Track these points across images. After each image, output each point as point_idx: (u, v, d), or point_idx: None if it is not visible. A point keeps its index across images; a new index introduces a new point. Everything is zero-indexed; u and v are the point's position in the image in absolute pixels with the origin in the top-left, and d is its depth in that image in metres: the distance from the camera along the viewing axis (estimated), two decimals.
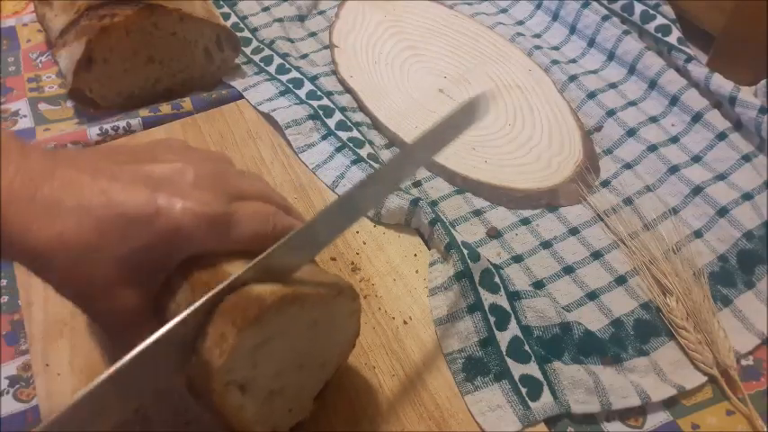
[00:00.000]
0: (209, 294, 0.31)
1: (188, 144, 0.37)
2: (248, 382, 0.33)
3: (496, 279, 0.46)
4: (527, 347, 0.44)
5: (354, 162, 0.55)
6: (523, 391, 0.42)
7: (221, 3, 0.74)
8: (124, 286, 0.32)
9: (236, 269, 0.32)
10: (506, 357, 0.43)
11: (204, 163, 0.35)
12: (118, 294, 0.32)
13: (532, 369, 0.43)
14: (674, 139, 0.58)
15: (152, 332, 0.32)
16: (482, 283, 0.46)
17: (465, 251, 0.47)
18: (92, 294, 0.32)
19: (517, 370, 0.43)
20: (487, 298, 0.45)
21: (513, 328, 0.45)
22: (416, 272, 0.49)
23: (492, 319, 0.45)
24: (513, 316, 0.45)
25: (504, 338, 0.44)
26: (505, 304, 0.46)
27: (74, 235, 0.30)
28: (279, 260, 0.34)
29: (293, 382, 0.37)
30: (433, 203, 0.54)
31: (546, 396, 0.42)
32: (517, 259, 0.50)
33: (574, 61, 0.67)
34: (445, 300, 0.47)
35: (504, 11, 0.75)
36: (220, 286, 0.32)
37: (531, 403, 0.41)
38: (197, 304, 0.31)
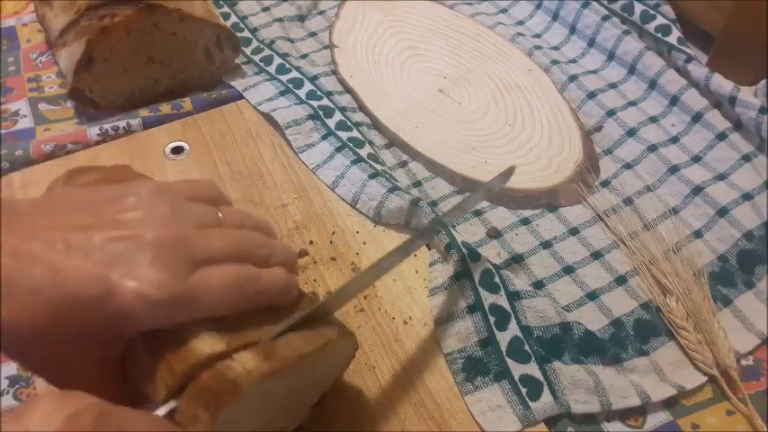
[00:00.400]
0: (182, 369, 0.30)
1: (163, 188, 0.34)
2: None
3: (496, 279, 0.46)
4: (527, 347, 0.44)
5: (354, 162, 0.55)
6: (523, 391, 0.42)
7: (221, 3, 0.74)
8: (84, 360, 0.31)
9: (201, 342, 0.30)
10: (506, 357, 0.43)
11: (168, 225, 0.32)
12: (78, 368, 0.31)
13: (532, 369, 0.43)
14: (674, 139, 0.58)
15: (119, 394, 0.31)
16: (482, 283, 0.46)
17: (465, 251, 0.47)
18: (51, 372, 0.31)
19: (517, 370, 0.43)
20: (487, 298, 0.45)
21: (513, 328, 0.45)
22: (416, 272, 0.49)
23: (492, 319, 0.45)
24: (513, 316, 0.45)
25: (504, 338, 0.44)
26: (505, 304, 0.46)
27: (25, 319, 0.28)
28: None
29: (282, 417, 0.36)
30: (433, 203, 0.54)
31: (546, 396, 0.42)
32: (517, 259, 0.50)
33: (574, 61, 0.67)
34: (445, 300, 0.47)
35: (504, 11, 0.75)
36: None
37: (531, 403, 0.41)
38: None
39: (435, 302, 0.47)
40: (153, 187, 0.34)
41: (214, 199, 0.37)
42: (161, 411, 0.29)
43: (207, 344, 0.30)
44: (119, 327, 0.30)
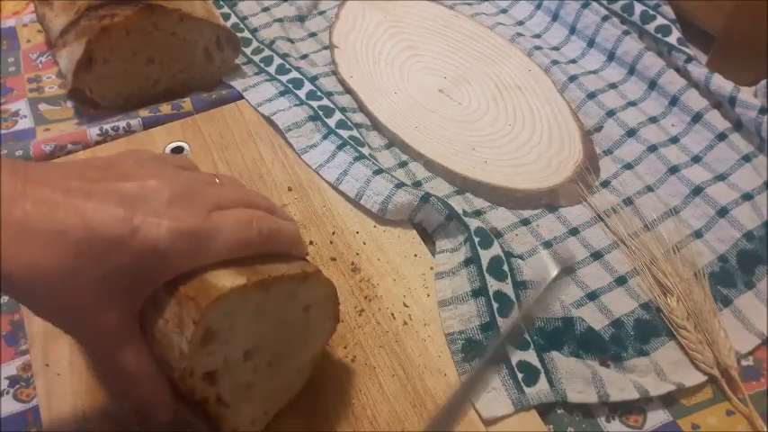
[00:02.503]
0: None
1: (156, 154, 0.36)
2: (219, 372, 0.33)
3: (505, 267, 0.47)
4: (527, 335, 0.44)
5: (357, 159, 0.55)
6: (519, 376, 0.43)
7: (221, 3, 0.74)
8: (104, 308, 0.31)
9: (221, 278, 0.32)
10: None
11: (177, 177, 0.34)
12: (98, 317, 0.31)
13: (530, 356, 0.44)
14: (674, 140, 0.58)
15: (138, 351, 0.32)
16: (489, 270, 0.47)
17: (477, 239, 0.48)
18: (71, 318, 0.31)
19: (515, 356, 0.43)
20: (493, 285, 0.46)
21: (516, 317, 0.45)
22: (416, 272, 0.49)
23: (495, 305, 0.45)
24: (516, 305, 0.46)
25: (505, 325, 0.45)
26: (510, 292, 0.46)
27: (50, 261, 0.29)
28: None
29: (272, 372, 0.37)
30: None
31: (542, 383, 0.42)
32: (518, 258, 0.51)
33: (574, 61, 0.67)
34: (451, 283, 0.48)
35: (504, 11, 0.75)
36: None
37: (526, 388, 0.42)
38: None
39: (441, 285, 0.48)
40: (152, 154, 0.36)
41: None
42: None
43: (228, 279, 0.32)
44: (143, 266, 0.31)
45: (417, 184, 0.56)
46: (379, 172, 0.54)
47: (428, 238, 0.52)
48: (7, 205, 0.29)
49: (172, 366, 0.32)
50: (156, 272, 0.32)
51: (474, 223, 0.50)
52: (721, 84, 0.58)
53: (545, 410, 0.42)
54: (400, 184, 0.52)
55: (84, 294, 0.30)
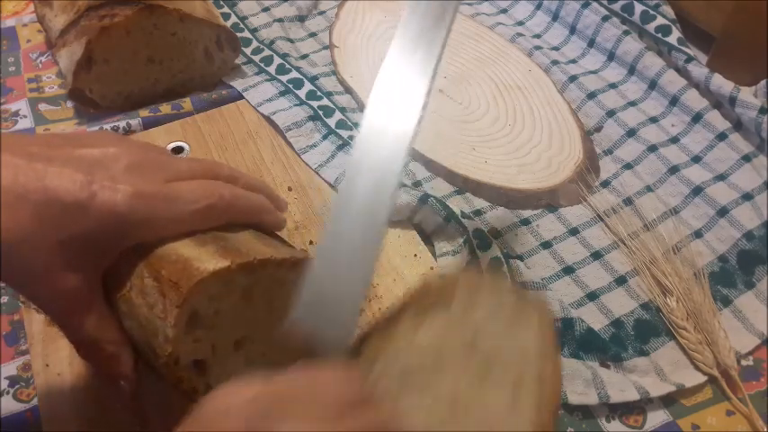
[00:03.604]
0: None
1: (124, 137, 0.36)
2: (209, 362, 0.33)
3: (504, 269, 0.47)
4: None
5: None
6: None
7: (221, 3, 0.74)
8: (64, 271, 0.31)
9: (204, 262, 0.32)
10: None
11: (138, 150, 0.34)
12: (57, 279, 0.31)
13: None
14: (674, 140, 0.58)
15: (99, 315, 0.32)
16: (488, 272, 0.47)
17: (475, 241, 0.48)
18: (31, 280, 0.31)
19: None
20: None
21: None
22: (416, 272, 0.49)
23: None
24: None
25: None
26: None
27: (9, 222, 0.29)
28: None
29: (266, 363, 0.36)
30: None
31: None
32: (517, 259, 0.50)
33: (574, 61, 0.67)
34: None
35: (504, 11, 0.75)
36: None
37: None
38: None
39: None
40: (116, 134, 0.36)
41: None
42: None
43: (211, 263, 0.32)
44: (102, 231, 0.31)
45: (417, 184, 0.56)
46: None
47: (428, 238, 0.52)
48: None
49: (157, 354, 0.32)
50: (115, 237, 0.32)
51: (472, 225, 0.50)
52: (721, 84, 0.58)
53: None
54: (400, 185, 0.52)
55: (41, 256, 0.30)
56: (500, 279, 0.42)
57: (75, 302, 0.32)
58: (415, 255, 0.50)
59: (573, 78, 0.64)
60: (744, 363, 0.45)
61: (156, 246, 0.33)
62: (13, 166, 0.30)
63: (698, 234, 0.52)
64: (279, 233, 0.41)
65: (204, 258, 0.32)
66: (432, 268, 0.49)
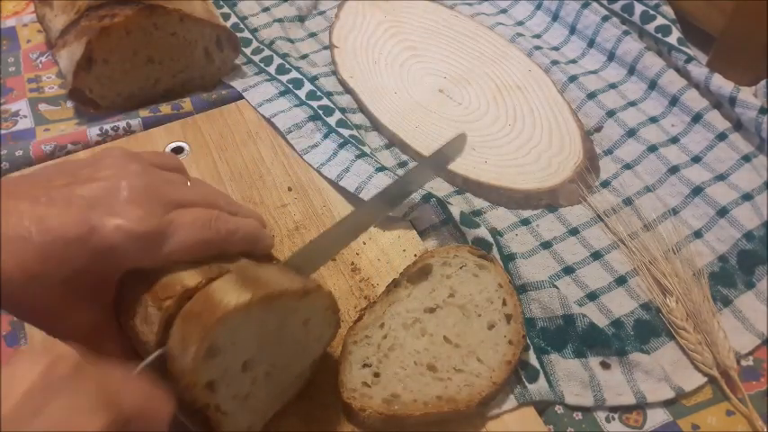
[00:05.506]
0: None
1: (131, 153, 0.37)
2: (219, 383, 0.33)
3: (495, 251, 0.48)
4: (527, 339, 0.44)
5: (359, 156, 0.55)
6: (522, 373, 0.43)
7: (221, 3, 0.74)
8: (74, 305, 0.33)
9: (227, 294, 0.32)
10: None
11: (140, 176, 0.35)
12: (73, 313, 0.33)
13: (530, 358, 0.44)
14: (674, 140, 0.58)
15: (117, 341, 0.34)
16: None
17: (458, 219, 0.50)
18: (45, 317, 0.33)
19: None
20: None
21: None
22: None
23: None
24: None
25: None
26: None
27: (16, 265, 0.30)
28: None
29: (269, 382, 0.37)
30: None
31: (542, 381, 0.43)
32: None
33: (574, 62, 0.67)
34: None
35: (504, 11, 0.75)
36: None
37: (528, 384, 0.42)
38: None
39: None
40: (124, 151, 0.37)
41: (179, 171, 0.40)
42: (150, 357, 0.32)
43: (233, 296, 0.32)
44: (103, 263, 0.32)
45: None
46: (381, 169, 0.54)
47: (419, 234, 0.52)
48: None
49: (176, 378, 0.32)
50: (115, 268, 0.34)
51: (471, 234, 0.50)
52: (721, 84, 0.58)
53: (544, 410, 0.42)
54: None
55: (52, 294, 0.32)
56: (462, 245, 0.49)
57: (94, 332, 0.34)
58: (415, 255, 0.50)
59: (573, 78, 0.64)
60: (743, 363, 0.45)
61: (159, 273, 0.34)
62: (18, 212, 0.31)
63: (698, 234, 0.52)
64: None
65: (226, 289, 0.33)
66: None
